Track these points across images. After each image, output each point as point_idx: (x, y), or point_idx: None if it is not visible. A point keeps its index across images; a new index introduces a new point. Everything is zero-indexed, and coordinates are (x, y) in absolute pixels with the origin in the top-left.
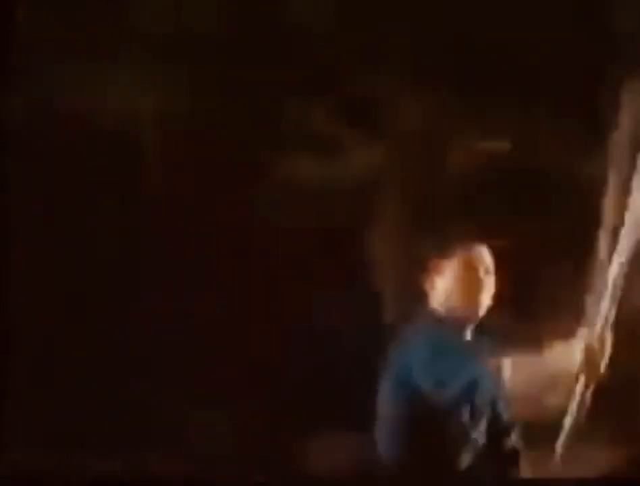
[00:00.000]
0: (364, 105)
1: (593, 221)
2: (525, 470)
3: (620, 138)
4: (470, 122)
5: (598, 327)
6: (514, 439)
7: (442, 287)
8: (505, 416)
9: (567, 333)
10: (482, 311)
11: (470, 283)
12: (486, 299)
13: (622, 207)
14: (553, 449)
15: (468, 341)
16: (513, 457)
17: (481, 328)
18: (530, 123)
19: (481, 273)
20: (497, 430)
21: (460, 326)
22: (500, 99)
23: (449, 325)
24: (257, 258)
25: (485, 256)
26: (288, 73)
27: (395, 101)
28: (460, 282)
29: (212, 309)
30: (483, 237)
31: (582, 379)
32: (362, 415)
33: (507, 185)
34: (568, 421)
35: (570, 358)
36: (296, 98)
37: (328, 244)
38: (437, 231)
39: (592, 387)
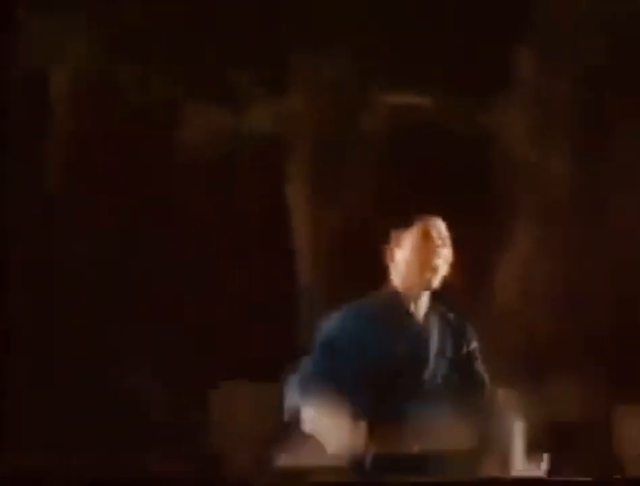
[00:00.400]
0: (276, 59)
1: (509, 175)
2: None
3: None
4: (386, 76)
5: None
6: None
7: (401, 259)
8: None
9: None
10: (438, 280)
11: (427, 253)
12: (442, 268)
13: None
14: None
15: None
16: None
17: (437, 297)
18: (447, 78)
19: (438, 243)
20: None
21: (415, 295)
22: (417, 53)
23: (402, 298)
24: (173, 209)
25: (441, 228)
26: (200, 26)
27: (309, 55)
28: (417, 252)
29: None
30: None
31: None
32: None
33: (423, 140)
34: None
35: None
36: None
37: (240, 195)
38: (350, 185)
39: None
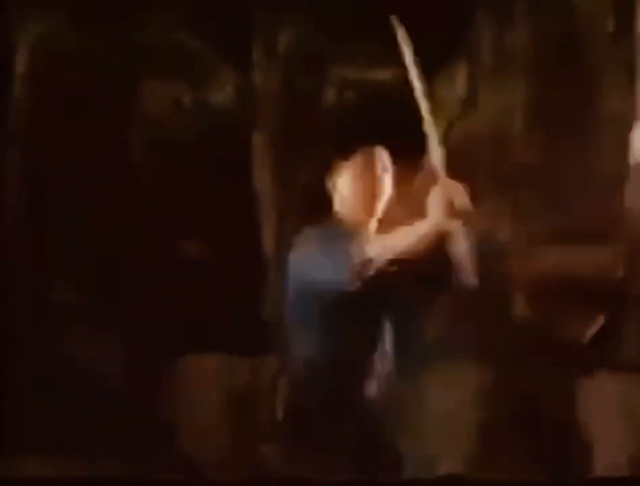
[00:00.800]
0: (238, 33)
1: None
2: None
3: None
4: (347, 51)
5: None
6: None
7: (342, 186)
8: None
9: None
10: (380, 209)
11: (368, 182)
12: (384, 198)
13: None
14: None
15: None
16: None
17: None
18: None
19: (379, 171)
20: None
21: (359, 224)
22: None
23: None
24: (137, 184)
25: (383, 156)
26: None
27: (272, 30)
28: (359, 181)
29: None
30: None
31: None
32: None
33: (386, 115)
34: None
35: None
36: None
37: (206, 168)
38: (313, 159)
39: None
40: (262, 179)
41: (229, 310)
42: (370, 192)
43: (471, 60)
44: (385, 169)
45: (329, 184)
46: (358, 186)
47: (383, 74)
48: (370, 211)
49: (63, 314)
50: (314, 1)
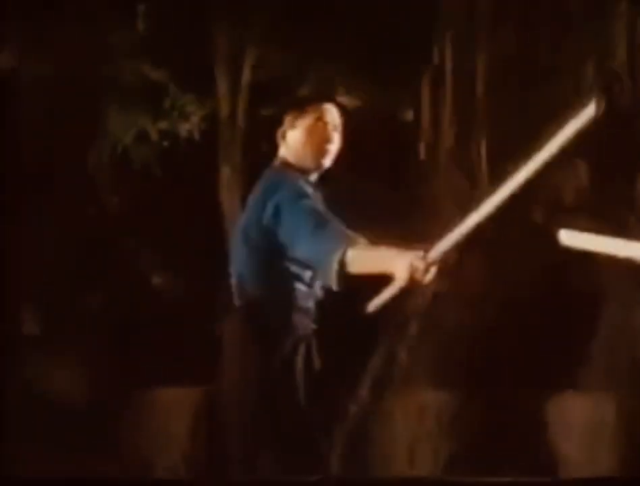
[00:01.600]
0: (202, 64)
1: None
2: None
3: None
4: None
5: (433, 254)
6: None
7: (293, 138)
8: None
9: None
10: (327, 162)
11: (319, 136)
12: (332, 152)
13: None
14: None
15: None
16: None
17: (325, 179)
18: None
19: (330, 128)
20: None
21: (306, 173)
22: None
23: (297, 170)
24: (104, 216)
25: (334, 114)
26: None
27: (235, 59)
28: (309, 133)
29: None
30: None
31: (397, 282)
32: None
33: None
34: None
35: (399, 263)
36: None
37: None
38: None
39: (398, 290)
40: (231, 210)
41: (197, 340)
42: (320, 142)
43: None
44: (335, 127)
45: (278, 134)
46: (308, 137)
47: (350, 100)
48: (319, 159)
49: (33, 345)
50: (279, 32)
